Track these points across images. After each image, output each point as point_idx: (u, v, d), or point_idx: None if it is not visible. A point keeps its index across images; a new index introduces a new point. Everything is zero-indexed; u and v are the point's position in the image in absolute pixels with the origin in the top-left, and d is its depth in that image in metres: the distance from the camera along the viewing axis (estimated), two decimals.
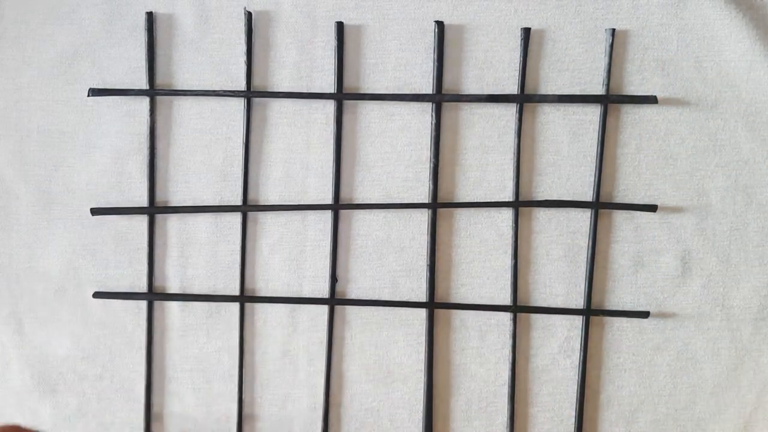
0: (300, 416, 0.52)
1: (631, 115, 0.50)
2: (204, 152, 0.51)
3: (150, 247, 0.51)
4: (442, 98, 0.50)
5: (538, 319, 0.51)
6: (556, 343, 0.51)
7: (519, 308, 0.50)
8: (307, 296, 0.51)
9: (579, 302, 0.51)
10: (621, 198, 0.51)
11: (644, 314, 0.51)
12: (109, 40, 0.51)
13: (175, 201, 0.51)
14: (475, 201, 0.51)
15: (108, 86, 0.51)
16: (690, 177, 0.50)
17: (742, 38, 0.49)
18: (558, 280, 0.51)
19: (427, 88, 0.50)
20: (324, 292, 0.51)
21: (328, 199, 0.51)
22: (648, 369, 0.51)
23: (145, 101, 0.50)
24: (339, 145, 0.50)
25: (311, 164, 0.51)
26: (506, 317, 0.51)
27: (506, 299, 0.51)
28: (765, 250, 0.51)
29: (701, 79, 0.50)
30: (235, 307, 0.51)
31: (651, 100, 0.50)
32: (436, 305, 0.51)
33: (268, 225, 0.51)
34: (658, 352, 0.51)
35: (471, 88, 0.50)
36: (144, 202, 0.51)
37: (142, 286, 0.51)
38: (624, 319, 0.51)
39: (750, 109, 0.50)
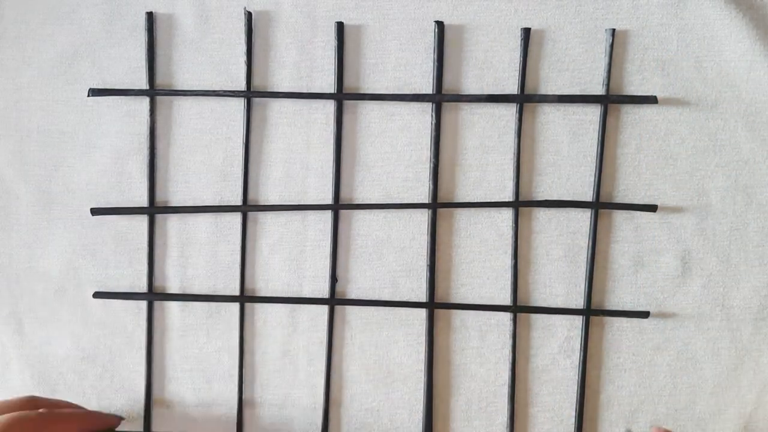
0: (300, 416, 0.52)
1: (631, 115, 0.50)
2: (204, 152, 0.51)
3: (150, 247, 0.51)
4: (442, 98, 0.50)
5: (538, 319, 0.51)
6: (556, 343, 0.51)
7: (519, 308, 0.50)
8: (307, 296, 0.51)
9: (579, 302, 0.51)
10: (621, 198, 0.51)
11: (644, 314, 0.51)
12: (109, 40, 0.51)
13: (175, 201, 0.51)
14: (475, 201, 0.51)
15: (108, 86, 0.51)
16: (690, 177, 0.50)
17: (742, 38, 0.49)
18: (558, 280, 0.51)
19: (427, 88, 0.50)
20: (324, 292, 0.51)
21: (328, 199, 0.51)
22: (648, 369, 0.51)
23: (145, 101, 0.50)
24: (339, 145, 0.50)
25: (311, 164, 0.51)
26: (506, 317, 0.51)
27: (506, 299, 0.51)
28: (765, 250, 0.51)
29: (701, 79, 0.50)
30: (235, 307, 0.51)
31: (651, 100, 0.50)
32: (436, 305, 0.51)
33: (268, 225, 0.51)
34: (658, 352, 0.51)
35: (471, 88, 0.50)
36: (144, 202, 0.51)
37: (142, 286, 0.51)
38: (624, 319, 0.51)
39: (750, 109, 0.50)
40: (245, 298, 0.51)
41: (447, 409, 0.52)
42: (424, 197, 0.51)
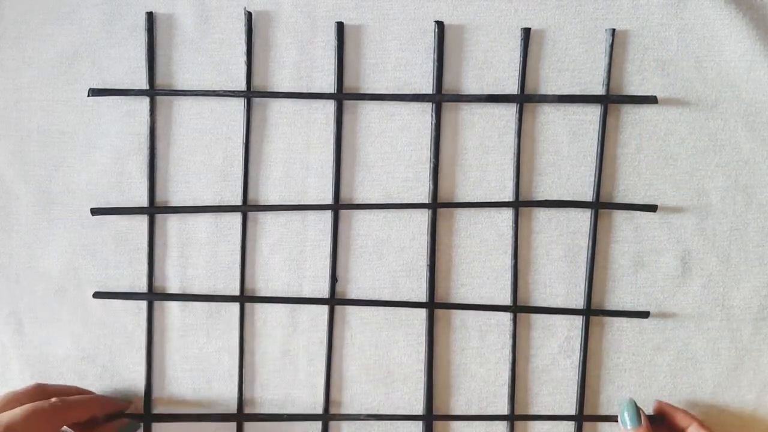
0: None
1: (631, 115, 0.50)
2: (204, 152, 0.51)
3: (150, 247, 0.51)
4: (442, 98, 0.50)
5: (538, 319, 0.51)
6: (556, 343, 0.51)
7: (519, 308, 0.50)
8: (307, 296, 0.51)
9: (579, 302, 0.51)
10: (621, 198, 0.51)
11: (644, 314, 0.51)
12: (109, 40, 0.51)
13: (175, 201, 0.51)
14: (475, 201, 0.51)
15: (108, 86, 0.51)
16: (690, 177, 0.50)
17: (742, 38, 0.49)
18: (558, 280, 0.51)
19: (427, 88, 0.50)
20: (324, 292, 0.51)
21: (328, 199, 0.51)
22: (648, 369, 0.51)
23: (145, 101, 0.50)
24: (339, 145, 0.50)
25: (311, 164, 0.51)
26: (506, 317, 0.51)
27: (506, 299, 0.51)
28: (765, 250, 0.51)
29: (701, 79, 0.50)
30: (235, 307, 0.51)
31: (651, 100, 0.50)
32: (436, 305, 0.51)
33: (268, 225, 0.51)
34: (658, 352, 0.51)
35: (471, 88, 0.50)
36: (144, 202, 0.51)
37: (142, 286, 0.51)
38: (624, 319, 0.51)
39: (750, 109, 0.50)
40: (245, 298, 0.51)
41: (447, 409, 0.52)
42: (424, 197, 0.51)
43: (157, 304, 0.52)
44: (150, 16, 0.50)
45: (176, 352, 0.52)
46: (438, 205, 0.50)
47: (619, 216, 0.51)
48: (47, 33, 0.51)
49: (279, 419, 0.51)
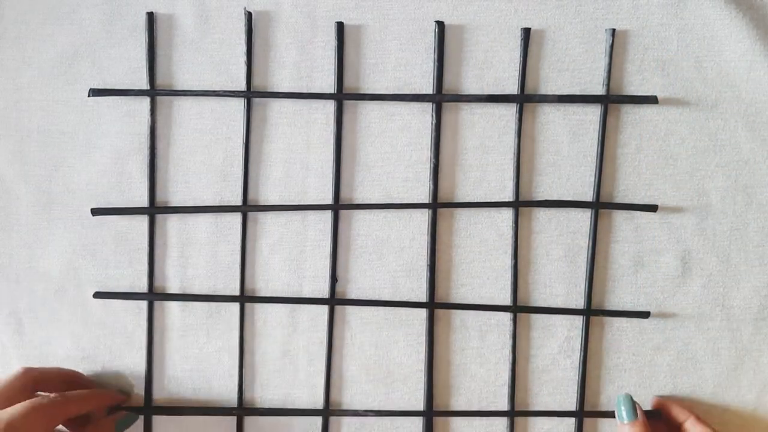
0: (300, 417, 0.52)
1: (631, 115, 0.50)
2: (204, 152, 0.51)
3: (150, 247, 0.51)
4: (442, 98, 0.50)
5: (538, 319, 0.51)
6: (556, 343, 0.51)
7: (519, 308, 0.50)
8: (307, 296, 0.51)
9: (579, 302, 0.51)
10: (621, 198, 0.51)
11: (644, 314, 0.51)
12: (109, 40, 0.51)
13: (175, 201, 0.51)
14: (475, 201, 0.51)
15: (108, 86, 0.51)
16: (690, 177, 0.50)
17: (742, 38, 0.49)
18: (558, 280, 0.51)
19: (427, 88, 0.50)
20: (324, 292, 0.51)
21: (328, 199, 0.51)
22: (648, 369, 0.51)
23: (145, 101, 0.50)
24: (339, 145, 0.50)
25: (311, 164, 0.51)
26: (506, 317, 0.51)
27: (506, 299, 0.51)
28: (765, 250, 0.51)
29: (701, 79, 0.50)
30: (235, 307, 0.51)
31: (651, 100, 0.50)
32: (436, 305, 0.51)
33: (268, 225, 0.51)
34: (658, 352, 0.51)
35: (471, 88, 0.50)
36: (144, 202, 0.51)
37: (142, 286, 0.51)
38: (624, 319, 0.51)
39: (750, 109, 0.50)
40: (245, 298, 0.51)
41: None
42: (424, 197, 0.51)
43: (157, 304, 0.52)
44: (150, 16, 0.50)
45: (176, 352, 0.52)
46: (438, 205, 0.50)
47: (619, 216, 0.51)
48: (47, 33, 0.51)
49: (279, 414, 0.51)
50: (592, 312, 0.50)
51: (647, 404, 0.51)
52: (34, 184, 0.51)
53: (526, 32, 0.49)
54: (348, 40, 0.50)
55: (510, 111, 0.50)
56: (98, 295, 0.51)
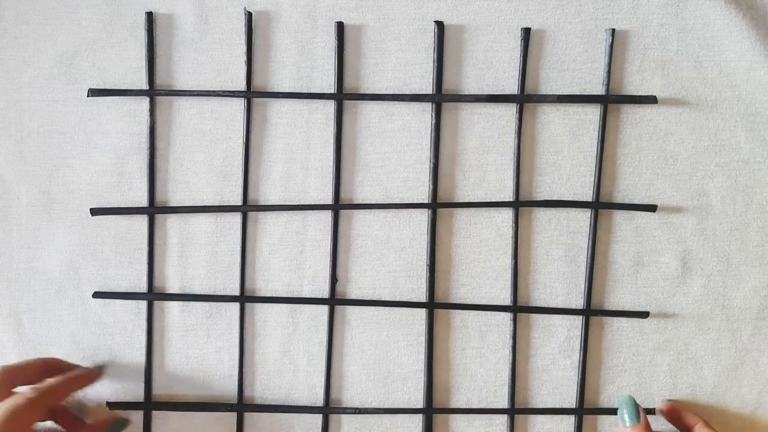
0: (300, 416, 0.52)
1: (631, 115, 0.50)
2: (204, 152, 0.51)
3: (150, 247, 0.51)
4: (442, 98, 0.50)
5: (538, 319, 0.51)
6: (556, 343, 0.51)
7: (519, 308, 0.50)
8: (307, 296, 0.51)
9: (579, 302, 0.51)
10: (621, 198, 0.51)
11: (644, 314, 0.51)
12: (109, 40, 0.51)
13: (175, 201, 0.51)
14: (475, 201, 0.51)
15: (108, 86, 0.51)
16: (690, 177, 0.50)
17: (742, 38, 0.49)
18: (558, 280, 0.51)
19: (427, 88, 0.50)
20: (324, 292, 0.51)
21: (328, 199, 0.51)
22: (648, 369, 0.51)
23: (145, 101, 0.50)
24: (339, 145, 0.50)
25: (311, 164, 0.51)
26: (506, 317, 0.51)
27: (506, 299, 0.51)
28: (765, 250, 0.51)
29: (701, 79, 0.50)
30: (235, 307, 0.51)
31: (651, 100, 0.50)
32: (436, 305, 0.51)
33: (268, 225, 0.51)
34: (658, 352, 0.51)
35: (471, 88, 0.50)
36: (144, 202, 0.51)
37: (142, 286, 0.51)
38: (624, 319, 0.51)
39: (750, 109, 0.50)
40: (245, 298, 0.51)
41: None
42: (424, 197, 0.51)
43: (157, 304, 0.52)
44: (150, 16, 0.50)
45: (176, 352, 0.52)
46: (438, 205, 0.50)
47: (619, 216, 0.51)
48: (47, 33, 0.51)
49: (279, 410, 0.51)
50: (591, 312, 0.50)
51: (648, 405, 0.51)
52: (34, 184, 0.51)
53: (526, 32, 0.49)
54: (348, 40, 0.50)
55: (510, 111, 0.50)
56: (98, 295, 0.51)
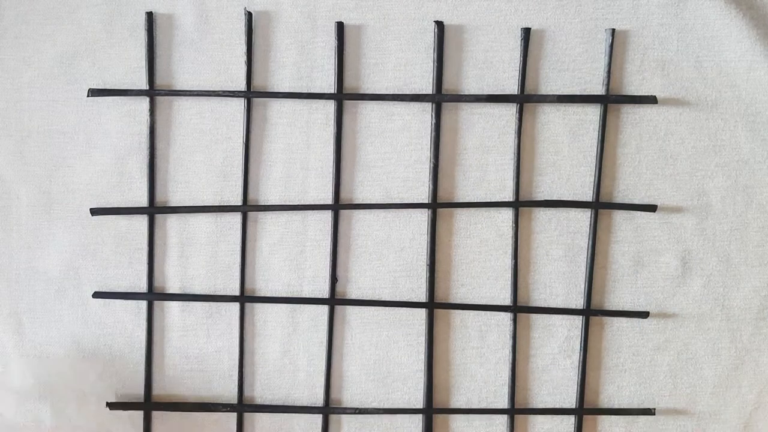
0: (300, 416, 0.52)
1: (631, 115, 0.50)
2: (204, 152, 0.51)
3: (150, 247, 0.51)
4: (442, 98, 0.50)
5: (538, 319, 0.51)
6: (556, 343, 0.51)
7: (519, 308, 0.50)
8: (307, 296, 0.51)
9: (579, 302, 0.51)
10: (621, 198, 0.51)
11: (644, 314, 0.51)
12: (109, 40, 0.51)
13: (175, 201, 0.51)
14: (475, 201, 0.51)
15: (108, 86, 0.51)
16: (690, 177, 0.50)
17: (742, 38, 0.49)
18: (558, 280, 0.51)
19: (427, 88, 0.50)
20: (324, 292, 0.51)
21: (328, 199, 0.51)
22: (648, 369, 0.51)
23: (145, 101, 0.50)
24: (339, 145, 0.50)
25: (311, 164, 0.51)
26: (506, 317, 0.51)
27: (506, 299, 0.51)
28: (765, 250, 0.51)
29: (701, 79, 0.50)
30: (235, 307, 0.51)
31: (651, 100, 0.50)
32: (436, 305, 0.51)
33: (268, 225, 0.51)
34: (658, 352, 0.51)
35: (471, 88, 0.50)
36: (144, 202, 0.51)
37: (142, 286, 0.51)
38: (624, 319, 0.51)
39: (750, 109, 0.50)
40: (245, 298, 0.51)
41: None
42: (424, 197, 0.51)
43: (157, 304, 0.52)
44: (150, 16, 0.50)
45: (176, 352, 0.52)
46: (438, 205, 0.50)
47: (619, 216, 0.51)
48: (47, 33, 0.51)
49: (279, 410, 0.51)
50: (591, 312, 0.50)
51: (646, 404, 0.51)
52: (34, 184, 0.51)
53: (526, 32, 0.49)
54: (348, 40, 0.50)
55: (510, 111, 0.50)
56: (98, 295, 0.51)
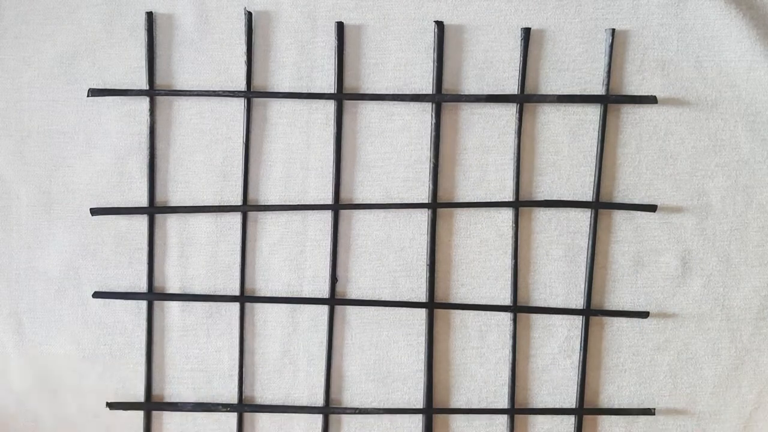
0: (300, 416, 0.52)
1: (631, 115, 0.50)
2: (204, 152, 0.51)
3: (150, 247, 0.51)
4: (442, 98, 0.50)
5: (538, 319, 0.51)
6: (556, 343, 0.51)
7: (519, 308, 0.50)
8: (307, 296, 0.51)
9: (579, 302, 0.51)
10: (621, 198, 0.51)
11: (644, 314, 0.51)
12: (109, 40, 0.51)
13: (175, 201, 0.51)
14: (475, 201, 0.51)
15: (108, 86, 0.51)
16: (690, 177, 0.50)
17: (742, 38, 0.49)
18: (558, 280, 0.51)
19: (427, 88, 0.50)
20: (324, 292, 0.51)
21: (328, 199, 0.51)
22: (648, 369, 0.51)
23: (145, 101, 0.50)
24: (339, 145, 0.50)
25: (311, 164, 0.51)
26: (506, 317, 0.51)
27: (506, 299, 0.51)
28: (765, 250, 0.51)
29: (701, 79, 0.50)
30: (235, 307, 0.51)
31: (651, 100, 0.50)
32: (436, 305, 0.51)
33: (268, 225, 0.51)
34: (658, 352, 0.51)
35: (471, 88, 0.50)
36: (144, 202, 0.51)
37: (142, 286, 0.51)
38: (624, 319, 0.51)
39: (750, 109, 0.50)
40: (245, 298, 0.51)
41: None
42: (424, 197, 0.51)
43: (157, 304, 0.52)
44: (150, 16, 0.50)
45: (176, 352, 0.52)
46: (438, 205, 0.50)
47: (619, 216, 0.51)
48: (47, 33, 0.51)
49: (279, 410, 0.51)
50: (591, 312, 0.50)
51: (646, 404, 0.51)
52: (34, 184, 0.51)
53: (526, 32, 0.49)
54: (348, 40, 0.50)
55: (510, 111, 0.50)
56: (98, 295, 0.51)
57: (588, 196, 0.51)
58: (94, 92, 0.50)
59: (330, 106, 0.50)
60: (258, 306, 0.52)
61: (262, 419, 0.52)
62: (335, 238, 0.51)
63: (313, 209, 0.50)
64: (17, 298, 0.52)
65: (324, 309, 0.51)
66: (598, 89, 0.50)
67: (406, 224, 0.51)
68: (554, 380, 0.51)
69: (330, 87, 0.50)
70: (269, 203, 0.51)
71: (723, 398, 0.51)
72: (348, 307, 0.51)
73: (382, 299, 0.51)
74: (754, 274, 0.51)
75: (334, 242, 0.51)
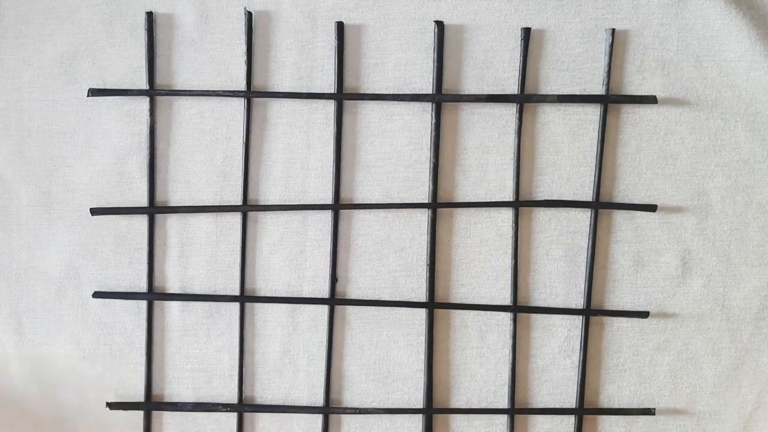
0: (300, 416, 0.52)
1: (631, 115, 0.50)
2: (204, 152, 0.51)
3: (150, 247, 0.51)
4: (442, 98, 0.50)
5: (538, 319, 0.51)
6: (556, 343, 0.51)
7: (519, 308, 0.50)
8: (307, 296, 0.51)
9: (579, 302, 0.51)
10: (621, 198, 0.51)
11: (644, 314, 0.51)
12: (109, 40, 0.51)
13: (175, 201, 0.51)
14: (475, 201, 0.51)
15: (108, 86, 0.51)
16: (690, 177, 0.50)
17: (742, 38, 0.49)
18: (558, 280, 0.51)
19: (427, 88, 0.50)
20: (324, 292, 0.51)
21: (328, 199, 0.51)
22: (648, 369, 0.51)
23: (145, 101, 0.50)
24: (339, 145, 0.50)
25: (311, 164, 0.51)
26: (506, 317, 0.51)
27: (506, 299, 0.51)
28: (765, 250, 0.51)
29: (701, 79, 0.50)
30: (235, 307, 0.51)
31: (651, 100, 0.50)
32: (436, 305, 0.51)
33: (268, 225, 0.51)
34: (658, 352, 0.51)
35: (471, 88, 0.50)
36: (144, 202, 0.51)
37: (142, 286, 0.51)
38: (624, 319, 0.51)
39: (750, 109, 0.50)
40: (245, 298, 0.51)
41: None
42: (424, 197, 0.51)
43: (157, 304, 0.52)
44: (150, 16, 0.50)
45: (176, 352, 0.52)
46: (438, 205, 0.50)
47: (619, 216, 0.51)
48: (47, 33, 0.51)
49: (279, 410, 0.51)
50: (591, 312, 0.50)
51: (646, 404, 0.51)
52: (34, 184, 0.51)
53: (526, 32, 0.49)
54: (348, 40, 0.50)
55: (510, 111, 0.50)
56: (98, 295, 0.51)
57: (588, 196, 0.51)
58: (94, 92, 0.50)
59: (330, 106, 0.50)
60: (258, 306, 0.52)
61: (262, 419, 0.52)
62: (335, 238, 0.51)
63: (313, 209, 0.50)
64: (17, 298, 0.52)
65: (324, 309, 0.51)
66: (598, 89, 0.50)
67: (406, 224, 0.51)
68: (554, 380, 0.51)
69: (330, 87, 0.51)
70: (269, 203, 0.51)
71: (723, 398, 0.51)
72: (348, 307, 0.51)
73: (382, 299, 0.51)
74: (754, 274, 0.51)
75: (334, 242, 0.51)
